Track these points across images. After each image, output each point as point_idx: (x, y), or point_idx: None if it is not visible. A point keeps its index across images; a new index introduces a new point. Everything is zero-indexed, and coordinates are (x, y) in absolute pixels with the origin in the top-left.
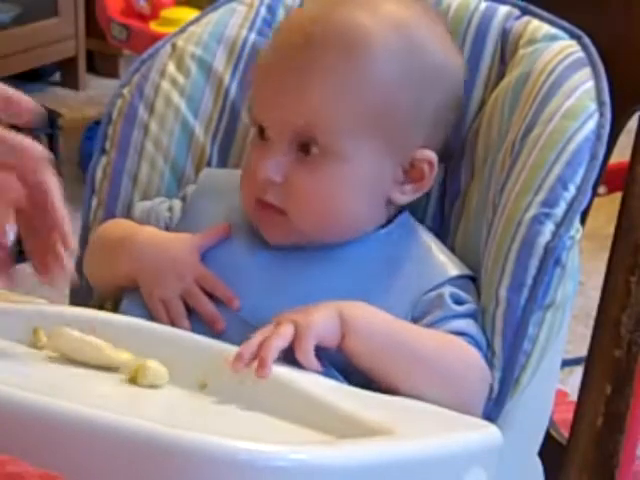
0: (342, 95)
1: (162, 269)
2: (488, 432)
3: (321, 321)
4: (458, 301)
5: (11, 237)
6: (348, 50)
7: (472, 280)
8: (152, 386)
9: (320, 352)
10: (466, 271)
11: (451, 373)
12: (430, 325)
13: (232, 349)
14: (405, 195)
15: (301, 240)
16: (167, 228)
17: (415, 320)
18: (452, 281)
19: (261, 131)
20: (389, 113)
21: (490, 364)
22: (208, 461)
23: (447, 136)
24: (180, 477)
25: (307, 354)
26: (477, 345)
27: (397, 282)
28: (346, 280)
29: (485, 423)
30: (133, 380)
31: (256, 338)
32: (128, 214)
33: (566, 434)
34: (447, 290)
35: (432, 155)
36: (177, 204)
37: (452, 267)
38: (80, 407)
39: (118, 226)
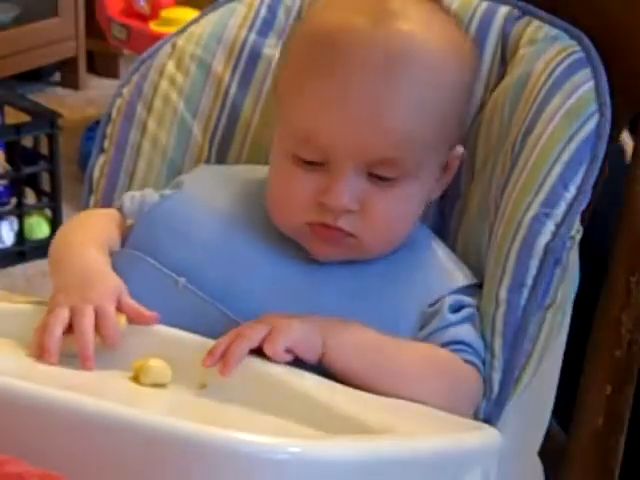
0: (419, 115)
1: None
2: (487, 434)
3: (299, 329)
4: (458, 307)
5: (11, 238)
6: (421, 69)
7: (479, 286)
8: (155, 385)
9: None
10: (473, 280)
11: (435, 392)
12: (426, 336)
13: None
14: (438, 190)
15: (356, 257)
16: None
17: (419, 329)
18: (458, 290)
19: (312, 152)
20: (448, 125)
21: (490, 365)
22: (208, 453)
23: None
24: (180, 468)
25: (275, 348)
26: (473, 351)
27: (407, 290)
28: (356, 287)
29: (485, 425)
30: (136, 378)
31: (229, 336)
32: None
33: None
34: (448, 299)
35: (461, 149)
36: (168, 194)
37: (460, 276)
38: (84, 397)
39: (71, 234)
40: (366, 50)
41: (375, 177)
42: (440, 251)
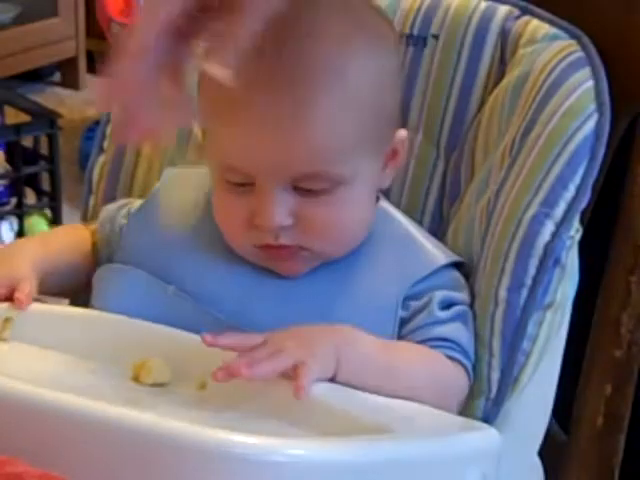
0: (343, 121)
1: None
2: (486, 434)
3: (322, 362)
4: (448, 303)
5: (11, 238)
6: (335, 73)
7: (461, 265)
8: (155, 384)
9: None
10: (454, 257)
11: (423, 390)
12: (413, 331)
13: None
14: (388, 178)
15: (319, 262)
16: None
17: (403, 322)
18: (441, 273)
19: (237, 176)
20: (378, 119)
21: (488, 364)
22: (203, 454)
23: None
24: (175, 470)
25: (303, 390)
26: (460, 349)
27: (383, 273)
28: (332, 285)
29: (484, 425)
30: (136, 378)
31: (248, 356)
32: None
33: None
34: (437, 294)
35: (404, 132)
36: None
37: (440, 255)
38: (79, 399)
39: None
40: (269, 70)
41: (303, 190)
42: (414, 230)
